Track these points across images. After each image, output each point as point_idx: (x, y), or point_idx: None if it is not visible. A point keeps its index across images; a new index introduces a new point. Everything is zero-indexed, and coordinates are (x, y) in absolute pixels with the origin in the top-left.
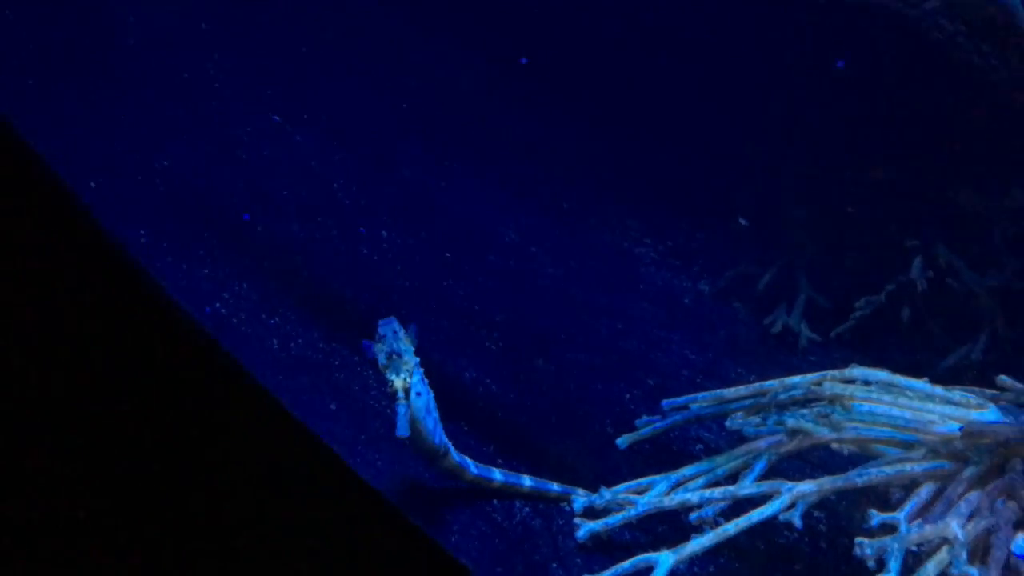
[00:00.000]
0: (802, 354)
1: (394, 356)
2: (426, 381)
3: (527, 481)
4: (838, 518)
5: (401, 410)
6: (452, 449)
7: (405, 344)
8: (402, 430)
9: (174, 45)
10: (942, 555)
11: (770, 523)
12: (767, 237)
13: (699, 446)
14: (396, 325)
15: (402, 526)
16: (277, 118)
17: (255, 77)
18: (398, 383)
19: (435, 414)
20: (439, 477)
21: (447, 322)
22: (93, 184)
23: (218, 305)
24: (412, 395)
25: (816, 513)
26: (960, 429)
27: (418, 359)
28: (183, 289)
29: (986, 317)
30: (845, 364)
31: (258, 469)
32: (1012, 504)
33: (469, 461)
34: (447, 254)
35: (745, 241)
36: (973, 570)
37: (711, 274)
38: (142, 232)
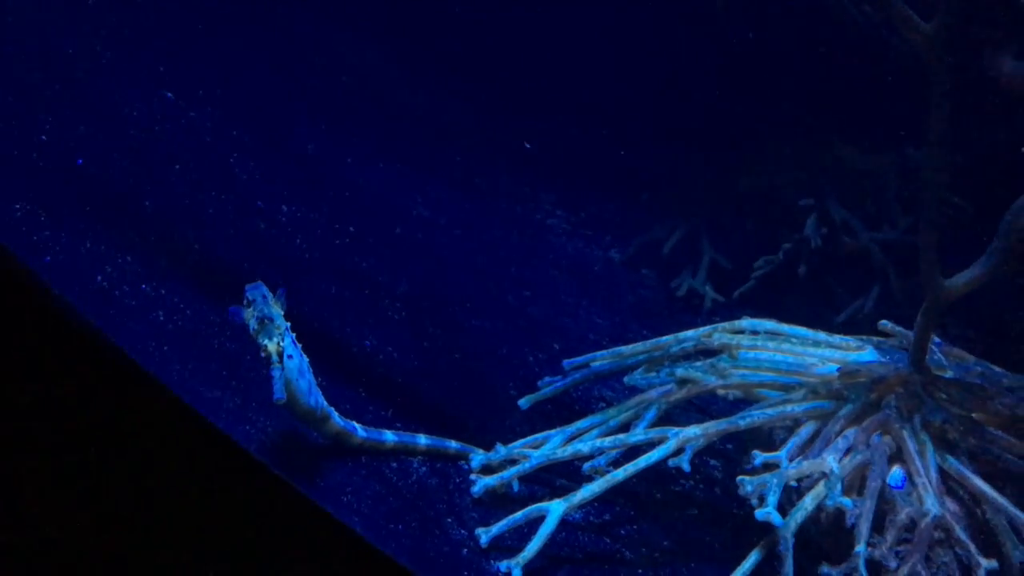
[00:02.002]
0: (707, 315)
1: (265, 321)
2: (298, 345)
3: (422, 440)
4: (733, 465)
5: (276, 373)
6: (334, 414)
7: (275, 308)
8: (279, 393)
9: (58, 21)
10: (819, 488)
11: (666, 472)
12: (673, 205)
13: (601, 404)
14: (264, 290)
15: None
16: (170, 95)
17: (147, 54)
18: (271, 347)
19: (309, 377)
20: (328, 444)
21: (348, 292)
22: None
23: (99, 278)
24: (284, 358)
25: (712, 461)
26: (838, 370)
27: (288, 323)
28: (60, 263)
29: (878, 271)
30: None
31: (137, 448)
32: (887, 438)
33: (356, 425)
34: (351, 228)
35: (654, 210)
36: (847, 500)
37: (622, 243)
38: (17, 206)
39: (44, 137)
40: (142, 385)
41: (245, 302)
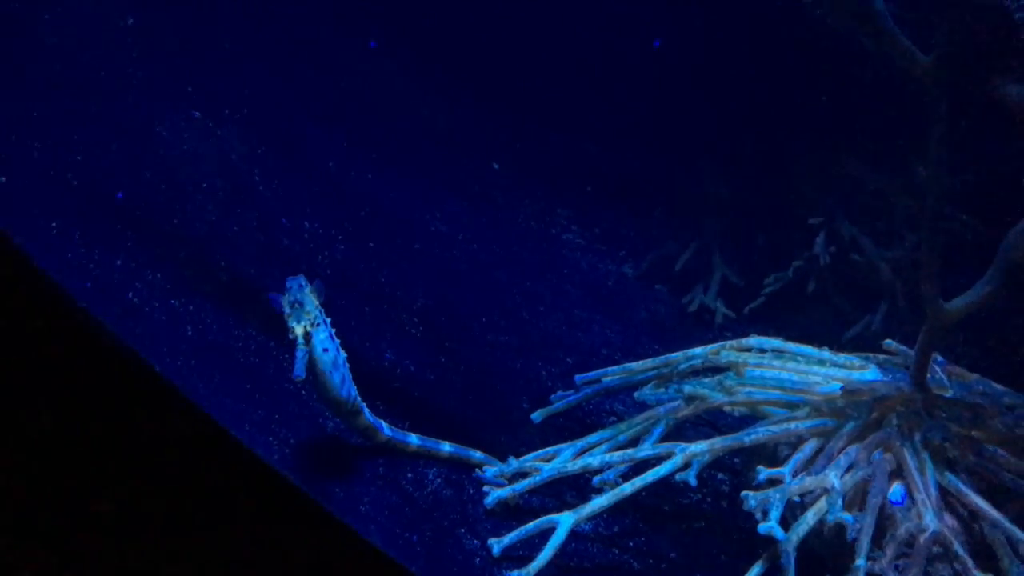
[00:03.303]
0: (718, 330)
1: (295, 305)
2: (336, 341)
3: (446, 447)
4: (740, 479)
5: (299, 354)
6: (366, 409)
7: (308, 296)
8: (299, 371)
9: (93, 43)
10: (821, 504)
11: (675, 486)
12: (687, 221)
13: (612, 418)
14: (302, 280)
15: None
16: (197, 113)
17: (177, 73)
18: (298, 329)
19: (343, 371)
20: (353, 437)
21: (368, 307)
22: (3, 178)
23: (130, 295)
24: (319, 350)
25: (720, 475)
26: (841, 388)
27: (328, 319)
28: (94, 278)
29: (887, 288)
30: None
31: (159, 461)
32: (889, 456)
33: (384, 424)
34: (371, 243)
35: (668, 226)
36: (848, 515)
37: (636, 258)
38: (53, 224)
39: (79, 157)
40: (159, 394)
41: (284, 291)
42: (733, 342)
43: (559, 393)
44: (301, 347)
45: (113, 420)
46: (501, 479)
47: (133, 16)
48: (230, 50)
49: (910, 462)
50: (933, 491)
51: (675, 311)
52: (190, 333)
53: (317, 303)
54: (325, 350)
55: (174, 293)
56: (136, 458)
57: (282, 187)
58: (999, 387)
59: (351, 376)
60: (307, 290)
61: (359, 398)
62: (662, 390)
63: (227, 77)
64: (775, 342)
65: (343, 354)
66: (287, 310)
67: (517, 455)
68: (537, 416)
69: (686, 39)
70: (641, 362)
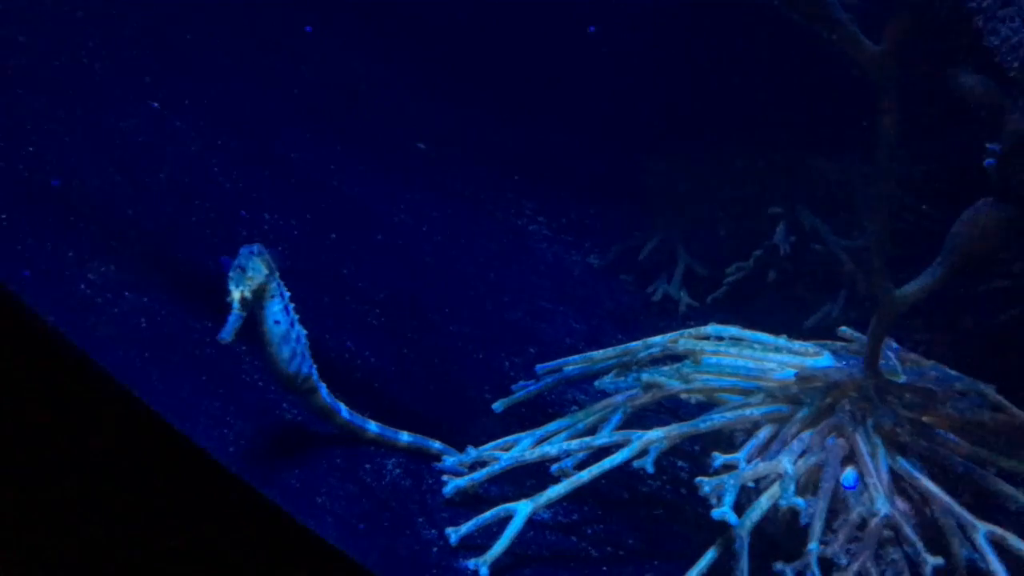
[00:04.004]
0: (682, 319)
1: (239, 269)
2: (293, 316)
3: (404, 436)
4: (699, 466)
5: (231, 317)
6: (323, 389)
7: (255, 262)
8: (224, 334)
9: (46, 32)
10: (774, 489)
11: (635, 473)
12: (652, 212)
13: (574, 407)
14: (255, 248)
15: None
16: (155, 104)
17: (135, 64)
18: (235, 293)
19: (296, 347)
20: (312, 426)
21: (328, 298)
22: None
23: (83, 287)
24: (270, 321)
25: (680, 462)
26: (795, 375)
27: (288, 292)
28: (43, 271)
29: (847, 277)
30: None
31: (90, 455)
32: (842, 441)
33: (343, 407)
34: (333, 235)
35: (634, 216)
36: (800, 500)
37: (602, 248)
38: (3, 215)
39: (30, 148)
40: (96, 383)
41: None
42: (692, 330)
43: (520, 383)
44: (235, 311)
45: (43, 408)
46: (460, 468)
47: (89, 6)
48: (194, 41)
49: (862, 447)
50: (885, 475)
51: (640, 301)
52: (144, 325)
53: (268, 272)
54: (276, 322)
55: (128, 285)
56: (64, 451)
57: (243, 179)
58: (953, 373)
59: (309, 353)
60: (256, 257)
61: (317, 378)
62: (622, 379)
63: (189, 68)
64: (732, 330)
65: (300, 330)
66: (231, 274)
67: (479, 444)
68: (498, 406)
69: (651, 33)
70: (602, 351)
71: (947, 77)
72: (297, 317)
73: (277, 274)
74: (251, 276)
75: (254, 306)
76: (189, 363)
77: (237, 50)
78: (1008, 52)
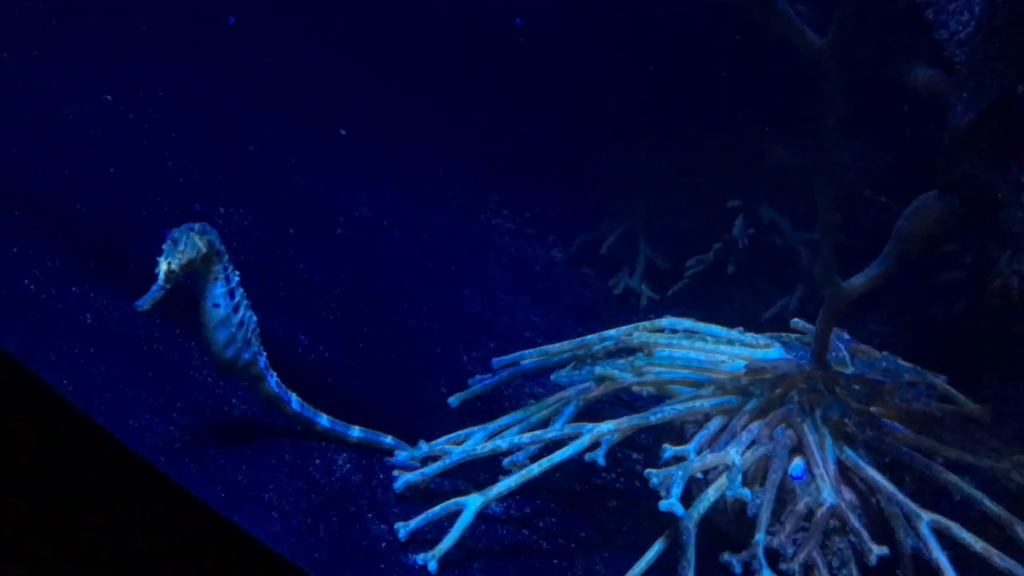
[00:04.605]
0: (643, 313)
1: (171, 242)
2: (240, 300)
3: (355, 432)
4: (653, 457)
5: (152, 287)
6: (271, 378)
7: (192, 239)
8: (140, 302)
9: None
10: (722, 480)
11: (589, 466)
12: (614, 205)
13: (531, 401)
14: (198, 226)
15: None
16: (109, 97)
17: (89, 56)
18: (162, 264)
19: (235, 331)
20: (262, 419)
21: (283, 293)
22: None
23: (27, 282)
24: (208, 303)
25: (635, 455)
26: (745, 366)
27: (237, 278)
28: None
29: (805, 270)
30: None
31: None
32: (790, 432)
33: (294, 397)
34: (290, 229)
35: (597, 210)
36: (746, 491)
37: (565, 241)
38: None
39: None
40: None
41: None
42: (646, 323)
43: (477, 377)
44: (159, 282)
45: None
46: (412, 463)
47: None
48: (149, 32)
49: (810, 438)
50: (832, 466)
51: (601, 294)
52: (89, 321)
53: (205, 251)
54: (215, 305)
55: (75, 280)
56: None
57: (198, 172)
58: (905, 364)
59: (258, 341)
60: (195, 234)
61: (264, 366)
62: (576, 372)
63: (145, 59)
64: (686, 323)
65: (247, 316)
66: (163, 246)
67: (433, 439)
68: (454, 400)
69: (615, 25)
70: (558, 344)
71: (900, 71)
72: (246, 303)
73: (226, 258)
74: (182, 250)
75: (198, 288)
76: (135, 359)
77: (194, 41)
78: (956, 46)
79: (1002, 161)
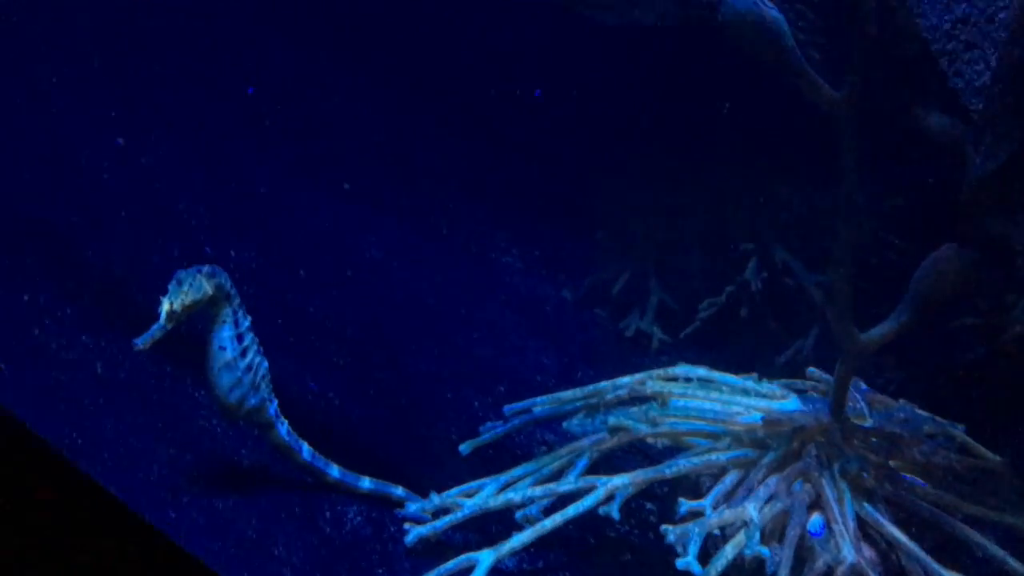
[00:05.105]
0: (654, 355)
1: (177, 282)
2: (248, 344)
3: (366, 483)
4: (668, 509)
5: (153, 326)
6: (282, 426)
7: (198, 281)
8: (139, 340)
9: (7, 69)
10: (740, 537)
11: (602, 518)
12: (626, 245)
13: (543, 448)
14: (207, 268)
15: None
16: (121, 140)
17: (102, 99)
18: (164, 304)
19: (242, 376)
20: (272, 469)
21: (294, 338)
22: None
23: (36, 331)
24: (215, 346)
25: (649, 505)
26: (762, 418)
27: (247, 322)
28: None
29: (819, 313)
30: (692, 362)
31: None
32: (808, 486)
33: (305, 447)
34: (301, 272)
35: (608, 249)
36: (765, 549)
37: (575, 281)
38: None
39: None
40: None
41: None
42: (660, 371)
43: (488, 424)
44: (159, 321)
45: None
46: (423, 515)
47: (55, 40)
48: (163, 72)
49: (828, 493)
50: (851, 522)
51: (612, 336)
52: (100, 370)
53: (212, 293)
54: (222, 348)
55: (85, 328)
56: None
57: (209, 215)
58: (923, 414)
59: (267, 387)
60: (202, 276)
61: (275, 413)
62: (589, 421)
63: (158, 101)
64: (701, 371)
65: (257, 360)
66: (169, 285)
67: (445, 488)
68: (465, 448)
69: (629, 64)
70: (570, 392)
71: (912, 117)
72: (257, 348)
73: (236, 301)
74: (186, 291)
75: (208, 330)
76: (145, 408)
77: (208, 81)
78: (972, 94)
79: (1018, 212)
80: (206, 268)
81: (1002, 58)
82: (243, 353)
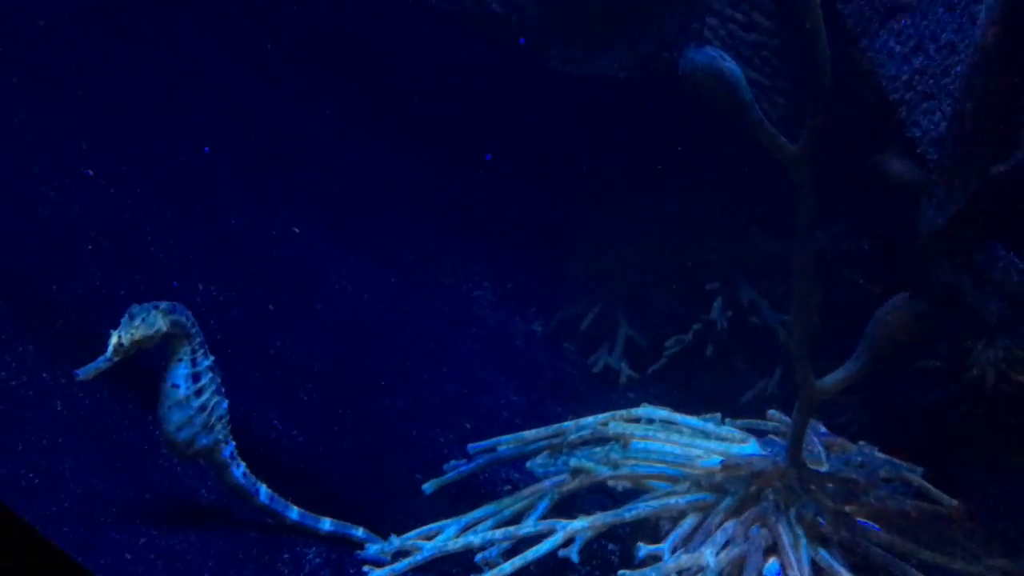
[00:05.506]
0: (622, 391)
1: (129, 316)
2: (207, 386)
3: (326, 524)
4: (628, 550)
5: (99, 359)
6: (236, 470)
7: (152, 316)
8: (82, 372)
9: None
10: None
11: (562, 561)
12: (596, 280)
13: (507, 487)
14: (166, 305)
15: None
16: (90, 172)
17: (70, 130)
18: (113, 337)
19: (194, 415)
20: (234, 512)
21: (260, 374)
22: None
23: None
24: (168, 384)
25: (611, 545)
26: (720, 463)
27: (208, 361)
28: None
29: (783, 352)
30: (658, 399)
31: None
32: (765, 531)
33: (263, 488)
34: (269, 305)
35: (579, 284)
36: None
37: (546, 315)
38: None
39: None
40: None
41: None
42: (623, 412)
43: (452, 463)
44: (106, 354)
45: None
46: (383, 557)
47: (20, 70)
48: (133, 103)
49: (784, 538)
50: (806, 567)
51: (581, 370)
52: (59, 408)
53: (167, 330)
54: (175, 386)
55: (47, 365)
56: None
57: (177, 248)
58: (881, 456)
59: (224, 428)
60: (157, 312)
61: (230, 455)
62: (552, 461)
63: (127, 131)
64: (663, 412)
65: (214, 400)
66: (122, 319)
67: (406, 527)
68: (428, 487)
69: (601, 112)
70: (534, 431)
71: (876, 161)
72: (216, 388)
73: (197, 340)
74: (136, 326)
75: (163, 367)
76: (104, 448)
77: (179, 110)
78: (928, 144)
79: (967, 264)
80: (164, 304)
81: (955, 111)
82: (198, 392)
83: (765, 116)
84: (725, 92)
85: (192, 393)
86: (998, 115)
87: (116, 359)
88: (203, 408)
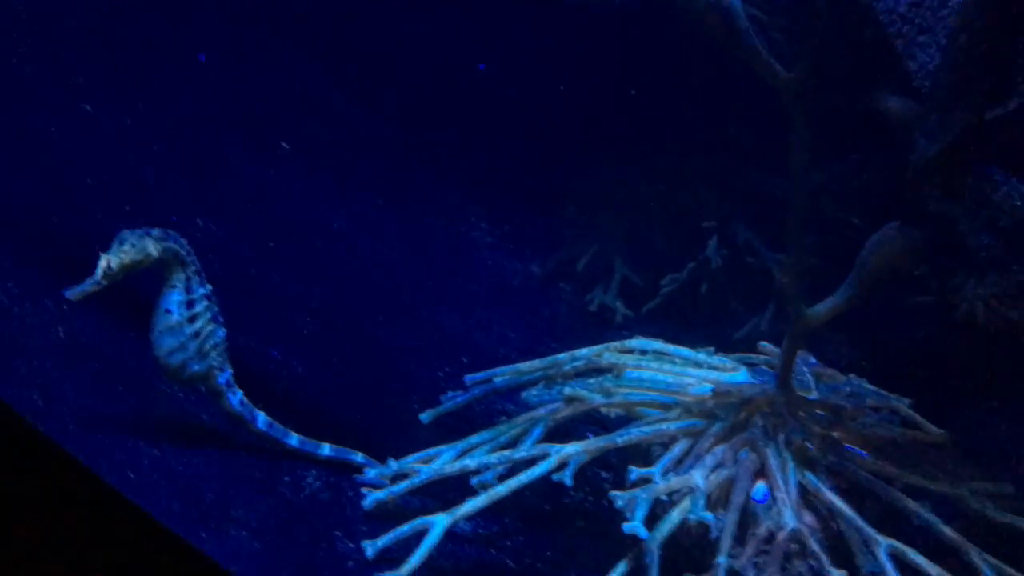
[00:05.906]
0: (617, 329)
1: (119, 241)
2: (201, 313)
3: (326, 449)
4: (621, 477)
5: (87, 280)
6: (235, 396)
7: (143, 242)
8: (69, 292)
9: None
10: (685, 503)
11: (558, 485)
12: (593, 221)
13: (503, 418)
14: (157, 231)
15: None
16: (88, 107)
17: (68, 65)
18: (102, 259)
19: (186, 341)
20: (237, 437)
21: (259, 307)
22: None
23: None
24: (161, 309)
25: (604, 473)
26: (711, 390)
27: (204, 290)
28: None
29: (776, 290)
30: (653, 336)
31: None
32: (753, 456)
33: (261, 415)
34: (269, 243)
35: (576, 225)
36: (709, 515)
37: (544, 256)
38: None
39: None
40: None
41: None
42: (617, 344)
43: (449, 394)
44: (94, 276)
45: None
46: (381, 480)
47: (25, 5)
48: (133, 43)
49: (772, 461)
50: (793, 490)
51: (577, 310)
52: (61, 335)
53: (157, 256)
54: (167, 311)
55: (49, 293)
56: None
57: (177, 185)
58: (870, 387)
59: (220, 355)
60: (148, 238)
61: (226, 382)
62: (546, 391)
63: (126, 71)
64: (656, 344)
65: (206, 327)
66: (112, 244)
67: (404, 455)
68: (426, 417)
69: (593, 43)
70: (529, 363)
71: (872, 98)
72: (212, 316)
73: (192, 268)
74: (126, 250)
75: (157, 292)
76: (105, 375)
77: (179, 54)
78: (924, 77)
79: (963, 194)
80: (156, 231)
81: (949, 42)
82: (191, 319)
83: None
84: (720, 19)
85: (185, 319)
86: (992, 47)
87: (105, 282)
88: (196, 335)
